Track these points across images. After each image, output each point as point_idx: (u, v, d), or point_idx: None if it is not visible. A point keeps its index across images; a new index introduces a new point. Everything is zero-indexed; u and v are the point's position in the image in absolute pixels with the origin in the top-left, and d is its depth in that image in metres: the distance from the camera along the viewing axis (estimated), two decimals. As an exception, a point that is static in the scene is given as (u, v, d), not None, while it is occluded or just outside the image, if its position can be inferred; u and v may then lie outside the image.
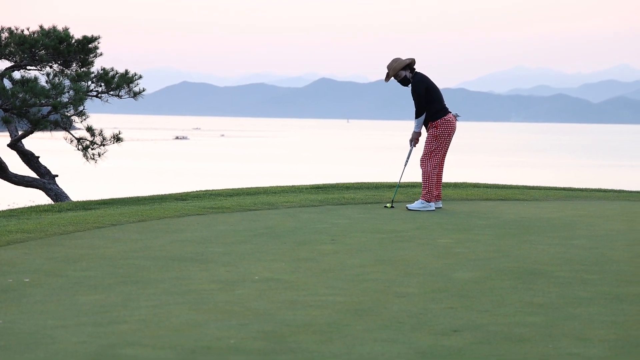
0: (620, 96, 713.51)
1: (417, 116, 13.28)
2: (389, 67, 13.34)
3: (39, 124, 19.54)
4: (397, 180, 14.08)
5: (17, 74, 19.92)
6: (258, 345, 5.60)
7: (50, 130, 19.97)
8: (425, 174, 13.20)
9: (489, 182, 17.48)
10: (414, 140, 13.46)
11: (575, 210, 13.17)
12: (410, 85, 13.29)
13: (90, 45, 20.23)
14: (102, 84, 20.39)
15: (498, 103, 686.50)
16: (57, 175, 20.86)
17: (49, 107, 19.69)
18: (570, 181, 46.32)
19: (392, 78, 13.38)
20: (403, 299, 6.96)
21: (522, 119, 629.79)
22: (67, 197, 20.08)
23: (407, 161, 13.88)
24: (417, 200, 13.61)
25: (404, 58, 13.34)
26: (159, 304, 6.80)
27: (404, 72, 13.32)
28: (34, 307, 6.76)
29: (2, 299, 7.09)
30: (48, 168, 20.89)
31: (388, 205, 13.31)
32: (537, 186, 17.14)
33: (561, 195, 15.38)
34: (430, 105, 13.23)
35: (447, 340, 5.72)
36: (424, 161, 13.26)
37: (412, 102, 13.30)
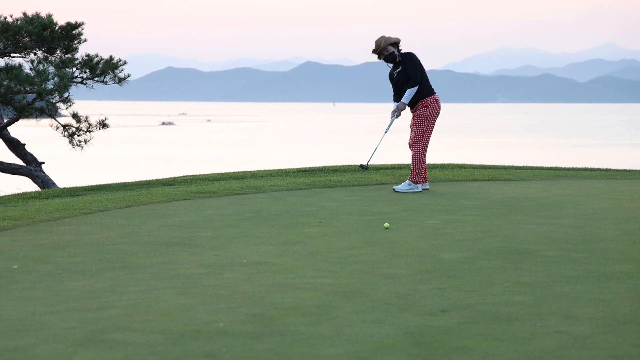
0: (606, 75, 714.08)
1: (412, 86, 13.10)
2: (378, 41, 13.21)
3: (24, 111, 19.51)
4: (376, 145, 13.89)
5: (1, 62, 19.87)
6: (247, 328, 5.61)
7: (36, 117, 19.94)
8: (416, 155, 13.13)
9: (475, 163, 17.48)
10: (398, 112, 13.28)
11: (562, 189, 13.20)
12: (395, 62, 13.21)
13: (74, 32, 20.18)
14: (87, 70, 20.35)
15: (484, 84, 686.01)
16: (43, 162, 20.83)
17: (34, 94, 19.65)
18: (557, 161, 46.36)
19: (379, 53, 13.22)
20: (391, 281, 6.98)
21: (508, 100, 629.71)
22: (53, 184, 20.06)
23: (387, 130, 13.69)
24: (403, 182, 13.61)
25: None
26: (147, 289, 6.80)
27: (392, 48, 13.26)
28: (22, 294, 6.76)
29: (-10, 286, 7.08)
30: (34, 155, 20.86)
31: (364, 163, 13.23)
32: (523, 166, 17.16)
33: (548, 175, 15.41)
34: (421, 82, 13.18)
35: (436, 321, 5.73)
36: (415, 143, 13.17)
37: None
